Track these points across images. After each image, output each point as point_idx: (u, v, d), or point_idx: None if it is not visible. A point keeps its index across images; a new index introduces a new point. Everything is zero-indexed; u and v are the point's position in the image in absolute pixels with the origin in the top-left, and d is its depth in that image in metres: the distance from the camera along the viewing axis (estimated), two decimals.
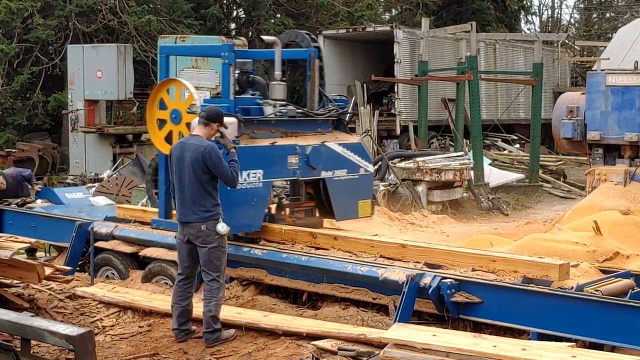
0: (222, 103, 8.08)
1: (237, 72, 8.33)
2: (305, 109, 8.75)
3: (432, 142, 22.46)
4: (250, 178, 7.99)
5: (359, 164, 8.80)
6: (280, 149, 8.26)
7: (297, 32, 9.49)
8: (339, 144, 8.65)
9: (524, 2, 36.48)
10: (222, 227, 7.05)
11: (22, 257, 8.86)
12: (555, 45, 30.06)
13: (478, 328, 6.79)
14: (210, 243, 7.05)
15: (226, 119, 7.50)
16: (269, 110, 8.36)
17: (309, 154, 8.38)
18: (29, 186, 12.82)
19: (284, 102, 8.55)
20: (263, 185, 8.12)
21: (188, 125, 8.15)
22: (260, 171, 8.06)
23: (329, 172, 8.57)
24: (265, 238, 8.36)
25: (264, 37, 8.99)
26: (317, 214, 8.89)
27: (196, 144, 7.06)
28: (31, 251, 10.22)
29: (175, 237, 7.59)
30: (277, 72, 8.61)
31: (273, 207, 8.78)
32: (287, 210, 8.78)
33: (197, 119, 7.45)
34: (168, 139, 8.56)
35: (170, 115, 8.53)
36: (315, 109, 8.86)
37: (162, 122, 8.68)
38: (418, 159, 16.77)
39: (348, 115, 9.20)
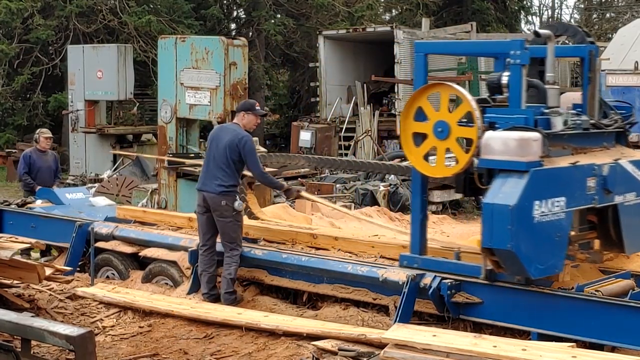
0: (514, 114, 6.63)
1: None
2: (597, 120, 7.20)
3: None
4: (554, 207, 6.47)
5: None
6: (580, 170, 6.71)
7: (566, 24, 8.08)
8: (630, 162, 7.14)
9: (524, 2, 36.47)
10: (238, 204, 8.00)
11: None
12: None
13: (478, 328, 6.80)
14: (227, 217, 7.99)
15: (525, 134, 6.41)
16: (558, 122, 6.77)
17: (606, 176, 6.88)
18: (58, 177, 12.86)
19: (576, 112, 7.12)
20: (565, 215, 6.58)
21: (460, 140, 6.87)
22: (563, 198, 6.54)
23: (620, 196, 7.06)
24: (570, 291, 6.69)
25: (538, 31, 7.22)
26: (600, 247, 7.39)
27: (235, 130, 8.16)
28: (26, 251, 10.20)
29: (195, 211, 8.37)
30: (550, 74, 7.06)
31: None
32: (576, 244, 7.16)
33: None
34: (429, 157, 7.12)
35: (434, 128, 6.97)
36: (599, 119, 7.27)
37: (421, 137, 7.11)
38: None
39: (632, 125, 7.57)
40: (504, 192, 6.30)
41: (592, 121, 7.10)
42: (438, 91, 7.09)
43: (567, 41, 7.61)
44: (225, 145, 8.05)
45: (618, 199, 7.02)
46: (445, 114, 6.95)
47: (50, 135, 12.73)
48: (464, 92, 6.83)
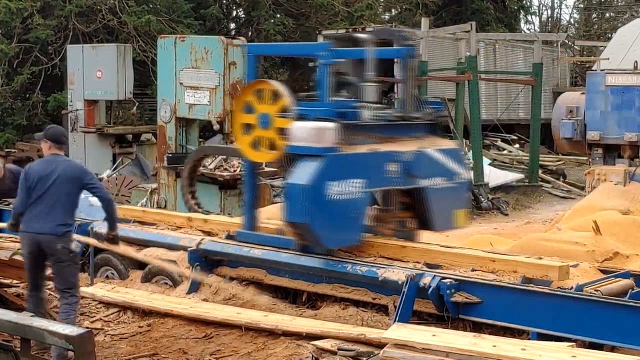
0: (320, 107, 7.66)
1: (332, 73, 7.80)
2: (402, 113, 8.11)
3: None
4: (352, 188, 7.40)
5: (456, 171, 8.24)
6: (380, 156, 7.66)
7: (389, 29, 9.11)
8: (437, 150, 8.10)
9: (524, 2, 36.50)
10: (76, 245, 7.07)
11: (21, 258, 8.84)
12: (555, 45, 30.06)
13: (478, 328, 6.80)
14: (65, 261, 6.97)
15: (321, 124, 7.36)
16: (366, 114, 7.72)
17: (409, 161, 7.82)
18: None
19: (381, 106, 8.04)
20: (363, 196, 7.52)
21: (279, 130, 7.80)
22: (361, 180, 7.47)
23: (427, 180, 7.97)
24: (360, 253, 7.80)
25: (356, 35, 8.34)
26: (413, 226, 8.28)
27: (69, 162, 7.23)
28: None
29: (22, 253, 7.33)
30: (370, 73, 8.03)
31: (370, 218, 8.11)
32: (381, 221, 8.17)
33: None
34: (255, 144, 8.12)
35: (258, 119, 8.00)
36: (411, 113, 8.17)
37: (248, 127, 8.11)
38: None
39: (443, 118, 8.66)
40: (302, 173, 7.28)
41: (399, 114, 8.03)
42: (263, 88, 8.09)
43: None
44: (64, 179, 6.92)
45: (425, 183, 7.94)
46: (268, 107, 7.96)
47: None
48: (282, 88, 7.91)
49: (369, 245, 7.94)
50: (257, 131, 8.02)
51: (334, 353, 6.35)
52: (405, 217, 8.24)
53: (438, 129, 8.43)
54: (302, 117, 7.59)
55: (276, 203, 11.69)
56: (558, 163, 22.99)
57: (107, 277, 9.15)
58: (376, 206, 8.25)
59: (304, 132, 7.42)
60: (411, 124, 8.12)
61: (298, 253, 7.76)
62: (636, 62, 13.82)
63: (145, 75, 22.87)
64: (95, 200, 11.62)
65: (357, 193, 7.42)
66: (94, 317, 7.89)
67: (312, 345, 6.56)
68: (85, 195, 11.74)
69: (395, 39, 8.51)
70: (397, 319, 6.75)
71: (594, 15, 41.59)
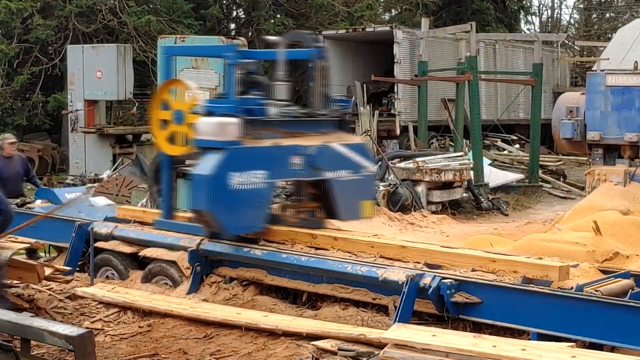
0: (226, 103, 8.18)
1: (241, 72, 8.31)
2: (308, 110, 8.65)
3: (432, 143, 22.46)
4: (254, 179, 7.91)
5: (361, 164, 8.69)
6: (283, 149, 8.17)
7: (300, 32, 9.57)
8: (342, 145, 8.56)
9: (524, 2, 36.50)
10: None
11: (22, 258, 8.85)
12: (555, 45, 30.08)
13: (478, 328, 6.79)
14: None
15: (224, 119, 7.81)
16: (272, 111, 8.26)
17: (312, 155, 8.30)
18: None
19: (287, 103, 8.52)
20: (266, 186, 8.05)
21: (191, 125, 8.24)
22: (264, 171, 7.98)
23: (331, 172, 8.46)
24: (266, 239, 8.34)
25: (267, 38, 9.08)
26: (321, 215, 8.78)
27: None
28: (31, 252, 10.21)
29: None
30: (280, 73, 8.58)
31: (276, 207, 8.77)
32: (290, 211, 8.75)
33: None
34: (171, 139, 8.75)
35: (173, 115, 8.69)
36: (318, 110, 8.72)
37: (164, 123, 8.80)
38: (418, 159, 16.78)
39: (350, 115, 9.25)
40: (205, 164, 7.81)
41: (304, 111, 8.55)
42: (176, 86, 8.88)
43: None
44: None
45: (329, 175, 8.41)
46: (181, 104, 8.69)
47: (15, 140, 12.26)
48: (193, 86, 8.69)
49: (278, 232, 8.36)
50: (172, 126, 8.72)
51: (334, 353, 6.35)
52: (314, 207, 8.75)
53: (345, 125, 8.95)
54: (210, 113, 8.10)
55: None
56: (558, 163, 22.99)
57: (107, 277, 9.14)
58: (286, 196, 9.08)
59: (208, 126, 7.94)
60: (317, 120, 8.61)
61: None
62: (636, 62, 13.82)
63: (145, 75, 22.88)
64: (95, 200, 11.66)
65: (259, 183, 7.95)
66: (94, 317, 7.89)
67: (312, 345, 6.56)
68: (85, 195, 11.80)
69: (306, 42, 8.92)
70: (397, 319, 6.75)
71: (594, 15, 41.60)
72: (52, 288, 8.41)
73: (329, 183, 8.47)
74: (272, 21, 25.58)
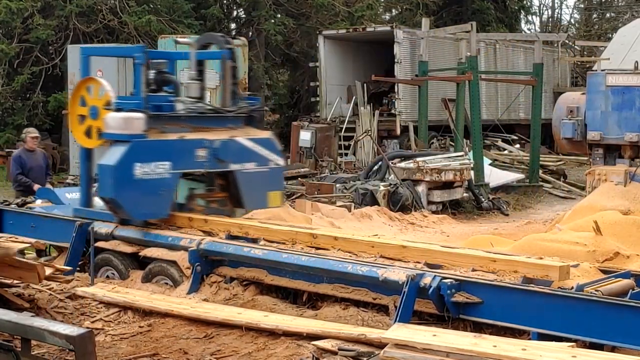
0: (134, 100, 8.93)
1: (153, 71, 8.99)
2: (216, 106, 9.40)
3: (432, 142, 22.47)
4: (158, 169, 8.61)
5: (268, 157, 9.35)
6: (188, 142, 8.86)
7: (213, 34, 10.28)
8: (248, 139, 9.20)
9: (524, 2, 36.52)
10: None
11: (31, 257, 8.85)
12: (556, 45, 30.09)
13: (478, 328, 6.79)
14: None
15: (129, 114, 8.55)
16: (180, 107, 8.99)
17: (217, 148, 8.97)
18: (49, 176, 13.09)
19: (195, 99, 9.22)
20: (170, 176, 8.74)
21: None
22: (168, 163, 8.68)
23: (237, 164, 9.12)
24: (171, 225, 8.95)
25: (179, 39, 9.88)
26: (229, 204, 9.40)
27: None
28: (39, 252, 10.22)
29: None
30: (192, 72, 9.45)
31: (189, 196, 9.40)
32: (198, 199, 9.36)
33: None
34: (87, 133, 9.40)
35: (89, 111, 9.35)
36: (227, 106, 9.38)
37: (82, 118, 9.45)
38: (418, 159, 16.78)
39: (260, 112, 9.89)
40: (111, 155, 8.56)
41: (210, 107, 9.36)
42: (92, 84, 9.47)
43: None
44: None
45: (235, 167, 9.09)
46: (96, 100, 9.26)
47: (37, 135, 13.17)
48: (106, 84, 9.22)
49: (180, 218, 8.93)
50: (88, 121, 9.35)
51: (334, 353, 6.34)
52: (222, 197, 9.42)
53: (254, 121, 9.55)
54: (120, 109, 8.80)
55: None
56: (558, 163, 23.00)
57: (107, 277, 9.14)
58: (195, 186, 9.58)
59: (115, 121, 8.66)
60: (225, 116, 9.29)
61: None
62: (636, 62, 13.82)
63: None
64: (95, 200, 11.63)
65: (163, 173, 8.67)
66: (94, 317, 7.88)
67: (313, 345, 6.55)
68: None
69: (218, 43, 9.57)
70: (398, 318, 6.74)
71: (594, 15, 41.61)
72: (53, 288, 8.40)
73: (234, 174, 9.12)
74: (273, 21, 25.59)
